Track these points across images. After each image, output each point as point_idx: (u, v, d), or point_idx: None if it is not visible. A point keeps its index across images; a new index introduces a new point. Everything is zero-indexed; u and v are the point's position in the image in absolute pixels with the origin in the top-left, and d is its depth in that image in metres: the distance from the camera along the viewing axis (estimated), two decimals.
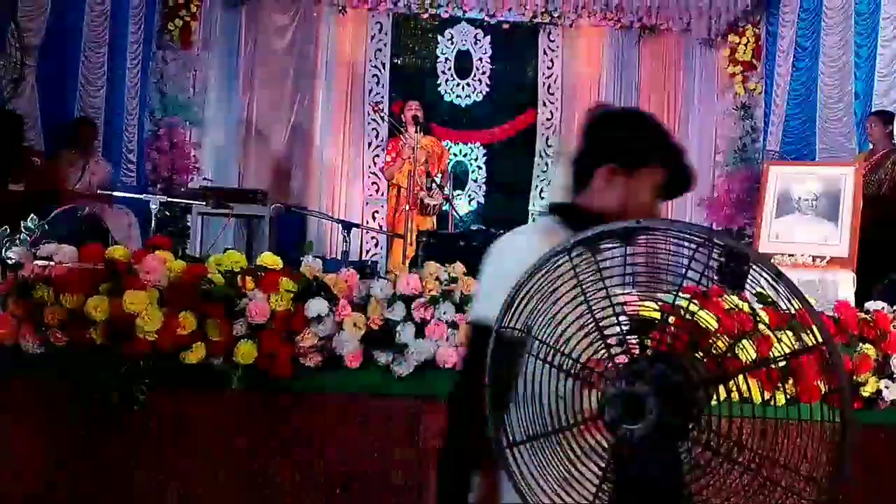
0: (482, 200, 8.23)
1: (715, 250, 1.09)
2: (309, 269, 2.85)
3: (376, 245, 7.83)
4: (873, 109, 5.29)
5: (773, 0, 6.97)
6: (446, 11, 7.82)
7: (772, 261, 3.37)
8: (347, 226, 4.42)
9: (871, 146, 5.06)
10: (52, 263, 2.79)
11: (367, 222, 7.90)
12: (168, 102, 7.34)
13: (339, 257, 7.18)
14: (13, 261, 2.84)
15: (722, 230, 6.24)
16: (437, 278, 2.81)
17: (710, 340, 1.54)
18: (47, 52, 5.28)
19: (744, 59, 7.42)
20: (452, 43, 8.15)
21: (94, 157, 5.62)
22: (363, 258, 7.32)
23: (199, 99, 7.58)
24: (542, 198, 8.12)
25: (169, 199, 4.53)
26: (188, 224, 6.87)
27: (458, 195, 7.98)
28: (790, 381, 2.63)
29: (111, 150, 6.36)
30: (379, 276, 3.00)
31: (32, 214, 3.05)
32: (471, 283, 2.77)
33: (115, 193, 4.41)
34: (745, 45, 7.40)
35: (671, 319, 1.37)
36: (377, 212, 7.91)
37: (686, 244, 1.11)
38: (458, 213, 6.76)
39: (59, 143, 5.51)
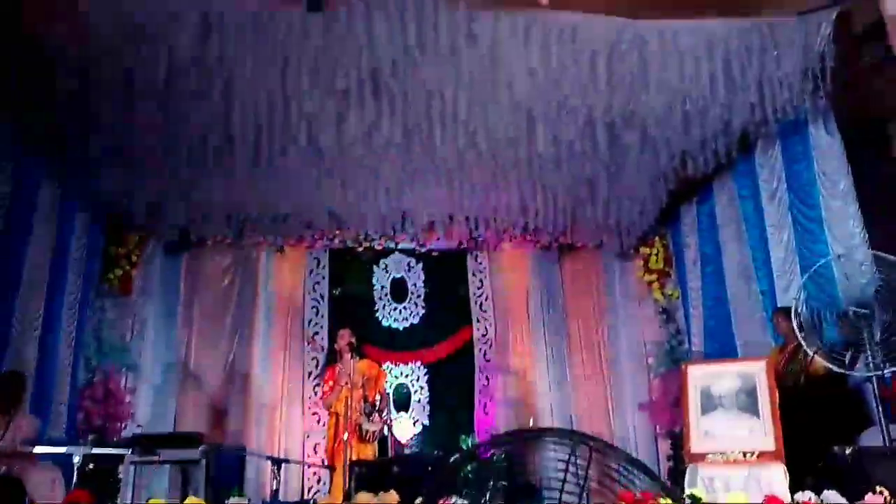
0: (426, 422, 8.13)
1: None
2: None
3: (318, 481, 7.51)
4: (778, 305, 5.68)
5: (674, 214, 7.66)
6: (380, 244, 8.35)
7: (707, 459, 3.42)
8: (277, 462, 4.26)
9: (783, 339, 5.35)
10: None
11: (309, 456, 7.66)
12: (105, 348, 7.30)
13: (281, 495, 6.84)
14: None
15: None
16: None
17: None
18: None
19: (657, 268, 8.01)
20: (387, 272, 8.59)
21: (19, 413, 5.41)
22: (305, 496, 6.97)
23: (135, 343, 7.59)
24: (486, 413, 8.09)
25: (94, 452, 4.32)
26: (119, 476, 6.52)
27: (401, 417, 7.89)
28: None
29: (41, 399, 6.15)
30: None
31: None
32: None
33: (39, 450, 4.20)
34: (657, 255, 8.04)
35: None
36: (318, 444, 7.70)
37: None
38: (397, 437, 6.62)
39: None
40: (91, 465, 4.64)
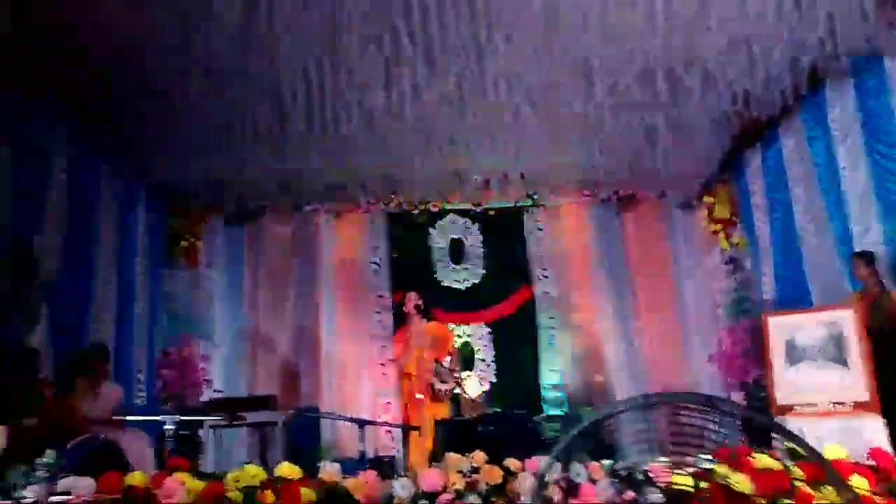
0: (493, 379, 8.20)
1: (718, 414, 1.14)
2: (328, 476, 2.81)
3: (392, 439, 7.68)
4: (855, 250, 5.46)
5: (738, 160, 7.40)
6: (435, 206, 8.33)
7: (794, 410, 3.32)
8: (361, 423, 4.36)
9: (862, 286, 5.16)
10: (70, 498, 2.75)
11: (380, 414, 7.85)
12: (176, 319, 7.56)
13: (355, 456, 7.03)
14: (29, 499, 2.80)
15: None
16: (460, 470, 2.77)
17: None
18: (59, 285, 5.51)
19: (722, 217, 7.76)
20: (444, 233, 8.58)
21: (105, 383, 5.66)
22: (379, 454, 7.15)
23: (206, 313, 7.83)
24: (552, 370, 8.11)
25: (183, 419, 4.50)
26: (200, 439, 6.80)
27: (468, 376, 7.97)
28: None
29: (121, 370, 6.42)
30: (398, 474, 2.95)
31: (48, 449, 3.05)
32: (494, 473, 2.73)
33: (130, 417, 4.41)
34: (721, 203, 7.78)
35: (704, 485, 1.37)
36: (389, 402, 7.88)
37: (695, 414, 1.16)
38: (468, 395, 6.72)
39: (72, 371, 5.58)
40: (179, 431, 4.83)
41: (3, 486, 2.87)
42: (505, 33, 4.86)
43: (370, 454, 6.88)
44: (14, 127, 4.83)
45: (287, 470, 2.85)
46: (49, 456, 3.00)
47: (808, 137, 6.26)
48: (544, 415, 4.88)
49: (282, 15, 4.51)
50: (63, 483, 2.84)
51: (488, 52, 4.97)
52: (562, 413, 7.59)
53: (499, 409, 5.68)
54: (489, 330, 8.36)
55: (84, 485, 2.80)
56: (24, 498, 2.77)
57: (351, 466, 3.79)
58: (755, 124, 6.48)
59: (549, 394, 8.03)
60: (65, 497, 2.77)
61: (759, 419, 1.26)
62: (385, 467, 6.43)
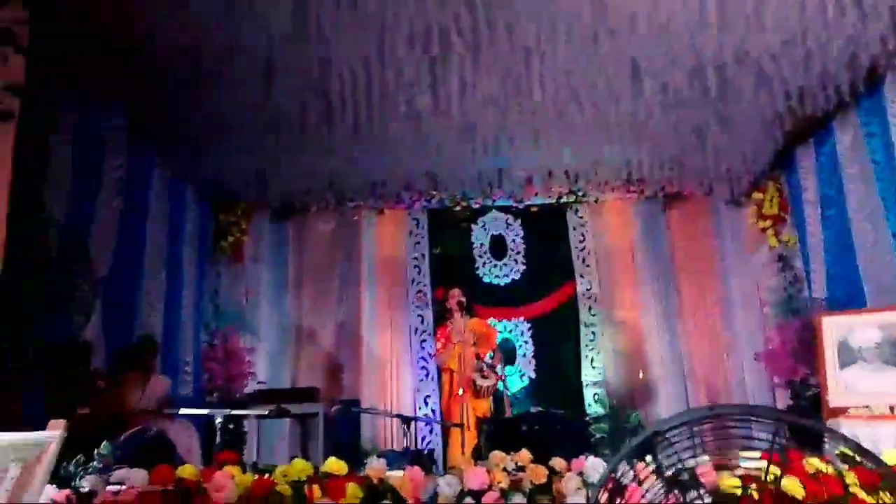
0: (532, 375, 8.18)
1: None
2: (374, 472, 2.84)
3: (430, 431, 7.73)
4: None
5: (790, 157, 7.21)
6: (477, 202, 8.32)
7: (848, 413, 3.24)
8: (407, 420, 4.39)
9: None
10: (124, 488, 2.83)
11: (420, 408, 7.95)
12: (222, 313, 7.71)
13: (395, 447, 7.10)
14: (86, 489, 2.88)
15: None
16: (504, 469, 2.77)
17: None
18: (111, 280, 5.67)
19: (771, 213, 7.57)
20: (486, 229, 8.57)
21: (154, 375, 5.81)
22: (418, 446, 7.22)
23: (251, 307, 7.96)
24: (594, 367, 8.05)
25: (232, 412, 4.60)
26: (245, 430, 6.94)
27: (509, 373, 7.98)
28: None
29: (168, 362, 6.58)
30: (437, 467, 2.96)
31: (105, 441, 3.15)
32: (539, 472, 2.72)
33: (181, 411, 4.52)
34: (771, 200, 7.60)
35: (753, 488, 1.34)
36: (429, 396, 7.96)
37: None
38: (510, 391, 6.71)
39: (123, 363, 5.74)
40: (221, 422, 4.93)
41: (63, 476, 2.97)
42: (552, 32, 4.82)
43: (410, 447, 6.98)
44: (72, 124, 4.96)
45: (334, 465, 2.88)
46: (105, 447, 3.10)
47: (866, 134, 6.05)
48: (589, 416, 4.84)
49: (330, 15, 4.55)
50: (117, 474, 2.93)
51: (535, 51, 4.93)
52: (605, 413, 7.54)
53: (542, 409, 5.65)
54: (529, 326, 8.34)
55: (137, 476, 2.88)
56: (82, 487, 2.87)
57: (393, 458, 3.85)
58: (809, 121, 6.30)
59: (590, 391, 7.97)
60: (119, 487, 2.85)
61: (813, 425, 1.24)
62: (425, 460, 6.51)
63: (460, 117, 5.72)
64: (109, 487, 2.88)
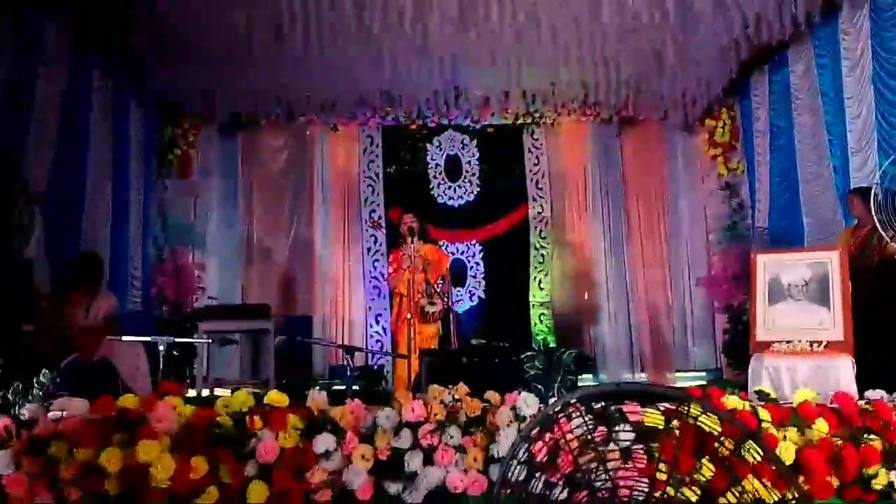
0: (482, 295, 8.34)
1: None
2: (315, 404, 2.90)
3: (381, 347, 7.89)
4: (851, 184, 5.42)
5: (744, 85, 7.24)
6: (433, 121, 8.19)
7: (772, 348, 3.38)
8: (351, 350, 4.45)
9: (856, 221, 5.13)
10: (64, 415, 2.85)
11: (371, 325, 8.08)
12: (171, 228, 7.58)
13: (345, 363, 7.25)
14: (26, 417, 2.89)
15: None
16: (442, 402, 2.86)
17: (716, 444, 1.60)
18: (51, 196, 5.49)
19: (723, 141, 7.67)
20: (441, 149, 8.48)
21: (99, 291, 5.74)
22: (369, 363, 7.38)
23: (200, 222, 7.84)
24: (541, 289, 8.23)
25: (176, 340, 4.59)
26: (196, 349, 6.97)
27: (459, 292, 8.10)
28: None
29: (117, 277, 6.50)
30: (385, 382, 3.00)
31: (44, 369, 3.13)
32: (474, 405, 2.81)
33: (125, 338, 4.48)
34: (723, 127, 7.66)
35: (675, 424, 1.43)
36: (380, 315, 8.06)
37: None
38: (459, 312, 6.83)
39: (66, 280, 5.64)
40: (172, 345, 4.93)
41: (2, 404, 2.97)
42: None
43: (359, 362, 7.13)
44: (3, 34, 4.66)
45: (276, 397, 2.92)
46: (44, 375, 3.09)
47: (818, 64, 6.08)
48: (528, 352, 5.00)
49: None
50: (58, 402, 2.93)
51: None
52: (545, 350, 7.77)
53: (483, 341, 5.79)
54: (481, 247, 8.42)
55: (78, 405, 2.88)
56: (21, 415, 2.86)
57: (341, 371, 3.87)
58: (763, 48, 6.29)
59: (536, 312, 8.16)
60: (59, 415, 2.86)
61: (675, 393, 1.35)
62: (374, 376, 6.66)
63: (417, 37, 5.56)
64: (50, 415, 2.88)
